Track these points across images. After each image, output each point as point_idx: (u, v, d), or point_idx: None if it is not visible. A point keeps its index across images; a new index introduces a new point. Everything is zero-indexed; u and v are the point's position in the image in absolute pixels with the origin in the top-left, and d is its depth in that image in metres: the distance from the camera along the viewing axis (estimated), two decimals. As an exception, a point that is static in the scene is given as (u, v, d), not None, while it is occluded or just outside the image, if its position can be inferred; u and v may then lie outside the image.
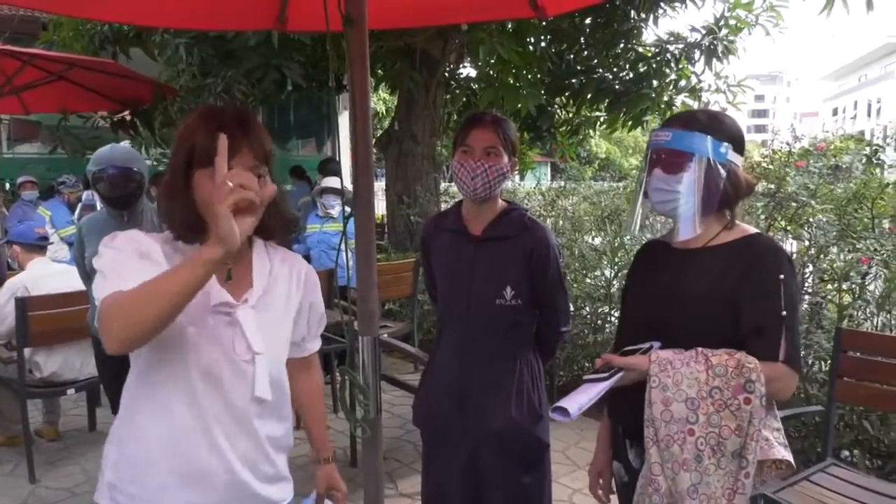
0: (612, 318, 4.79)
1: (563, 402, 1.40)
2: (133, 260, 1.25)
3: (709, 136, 1.48)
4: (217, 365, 1.30)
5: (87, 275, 2.99)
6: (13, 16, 6.77)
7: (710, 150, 1.48)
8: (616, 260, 4.76)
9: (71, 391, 3.73)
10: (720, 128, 1.51)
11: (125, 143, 4.50)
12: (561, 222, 5.77)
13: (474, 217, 2.05)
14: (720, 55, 5.71)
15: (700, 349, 1.45)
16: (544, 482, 2.09)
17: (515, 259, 1.99)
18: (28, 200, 7.29)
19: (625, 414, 1.62)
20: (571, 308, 4.87)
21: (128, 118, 5.35)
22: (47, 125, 5.36)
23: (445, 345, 2.12)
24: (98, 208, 5.07)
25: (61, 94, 4.43)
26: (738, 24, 5.70)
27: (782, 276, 1.45)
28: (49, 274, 3.76)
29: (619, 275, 4.68)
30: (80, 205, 7.42)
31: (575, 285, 4.85)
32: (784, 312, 1.44)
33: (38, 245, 3.94)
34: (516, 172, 8.35)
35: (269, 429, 1.40)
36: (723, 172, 1.49)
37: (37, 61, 3.98)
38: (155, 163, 6.61)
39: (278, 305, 1.42)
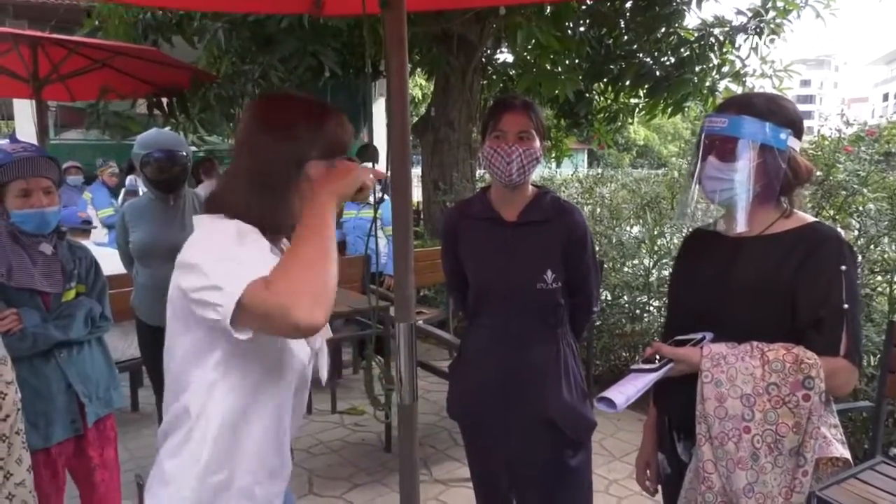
0: (651, 308, 4.70)
1: (608, 393, 1.36)
2: (236, 247, 1.16)
3: (767, 122, 1.42)
4: (302, 356, 1.31)
5: (130, 260, 3.05)
6: (59, 4, 6.93)
7: (768, 137, 1.41)
8: (655, 249, 4.67)
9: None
10: (779, 112, 1.44)
11: (167, 129, 4.57)
12: (599, 210, 5.67)
13: (506, 203, 2.01)
14: (766, 39, 5.53)
15: (755, 343, 1.39)
16: (589, 460, 2.09)
17: (553, 242, 1.96)
18: (73, 185, 7.48)
19: (672, 405, 1.58)
20: (609, 297, 4.81)
21: (165, 101, 5.44)
22: (91, 111, 5.47)
23: (481, 334, 2.07)
24: (140, 194, 5.18)
25: (105, 80, 4.52)
26: (787, 6, 5.51)
27: (844, 268, 1.38)
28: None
29: (659, 264, 4.59)
30: (123, 190, 7.59)
31: (613, 274, 4.77)
32: (846, 305, 1.38)
33: (82, 229, 4.04)
34: (553, 159, 8.31)
35: None
36: (782, 160, 1.42)
37: (82, 49, 4.05)
38: (194, 148, 6.72)
39: None
